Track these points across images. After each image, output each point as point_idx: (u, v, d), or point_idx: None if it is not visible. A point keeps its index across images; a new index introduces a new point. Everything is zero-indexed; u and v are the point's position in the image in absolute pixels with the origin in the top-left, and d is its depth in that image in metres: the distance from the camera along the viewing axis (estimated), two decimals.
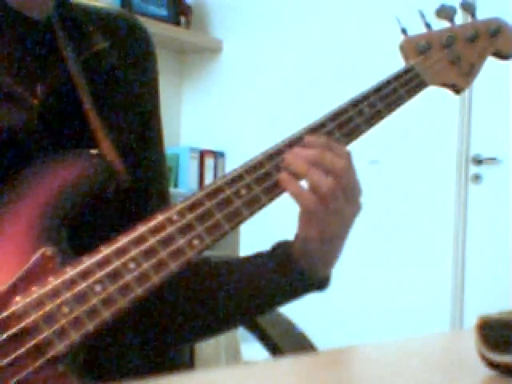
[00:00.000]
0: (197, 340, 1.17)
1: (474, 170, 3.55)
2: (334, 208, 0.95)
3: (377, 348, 0.89)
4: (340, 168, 0.95)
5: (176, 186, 3.75)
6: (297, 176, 0.95)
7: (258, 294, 1.04)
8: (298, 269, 1.00)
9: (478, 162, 3.53)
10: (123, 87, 1.04)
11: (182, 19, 3.92)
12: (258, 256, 1.05)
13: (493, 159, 3.51)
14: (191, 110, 4.06)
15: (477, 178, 3.54)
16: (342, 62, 3.66)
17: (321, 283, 1.03)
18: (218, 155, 3.90)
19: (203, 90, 4.03)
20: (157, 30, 3.49)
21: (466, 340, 0.79)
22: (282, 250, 1.02)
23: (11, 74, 0.95)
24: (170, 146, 3.73)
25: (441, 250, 3.53)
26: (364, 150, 3.34)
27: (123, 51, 1.06)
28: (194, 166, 3.82)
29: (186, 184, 3.76)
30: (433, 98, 3.13)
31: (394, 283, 3.56)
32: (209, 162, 3.87)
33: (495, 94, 3.43)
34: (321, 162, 0.94)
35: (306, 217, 0.97)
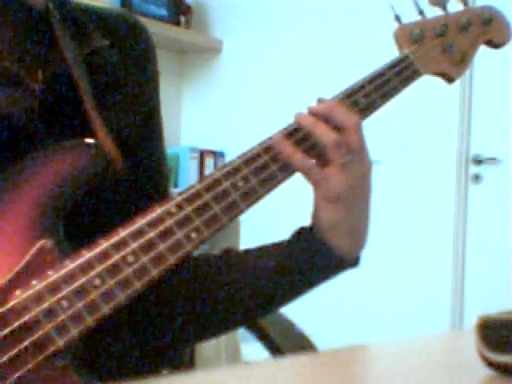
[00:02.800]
0: (200, 339, 1.16)
1: (473, 170, 3.55)
2: (338, 167, 0.95)
3: (377, 348, 0.89)
4: (350, 125, 0.95)
5: (176, 186, 3.75)
6: (303, 129, 0.96)
7: (285, 284, 1.01)
8: (325, 246, 0.98)
9: (478, 161, 3.53)
10: (123, 86, 1.05)
11: (182, 19, 3.92)
12: (278, 245, 1.02)
13: (493, 159, 3.51)
14: (191, 110, 4.06)
15: (477, 178, 3.54)
16: (342, 62, 3.66)
17: (352, 260, 1.01)
18: (217, 155, 3.90)
19: (203, 90, 4.03)
20: (157, 29, 3.49)
21: (466, 340, 0.79)
22: (304, 233, 1.00)
23: (14, 58, 0.96)
24: (170, 145, 3.72)
25: (441, 250, 3.53)
26: None
27: (123, 51, 1.06)
28: (193, 166, 3.82)
29: (185, 184, 3.76)
30: (433, 98, 3.13)
31: (394, 283, 3.56)
32: (209, 161, 3.87)
33: (495, 94, 3.43)
34: (330, 116, 0.96)
35: (310, 181, 0.96)
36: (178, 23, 3.87)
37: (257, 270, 1.03)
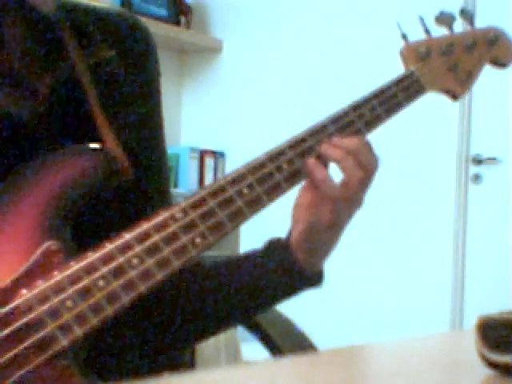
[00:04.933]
0: (196, 340, 1.18)
1: (473, 170, 3.55)
2: (353, 199, 0.98)
3: (377, 348, 0.89)
4: (373, 166, 0.98)
5: (176, 185, 3.75)
6: (330, 160, 0.98)
7: (256, 292, 1.05)
8: (294, 261, 1.01)
9: (478, 161, 3.53)
10: (123, 87, 1.05)
11: (182, 19, 3.92)
12: (254, 253, 1.05)
13: (493, 159, 3.51)
14: (191, 110, 4.06)
15: (477, 178, 3.54)
16: (341, 62, 3.67)
17: (316, 278, 1.04)
18: (217, 155, 3.90)
19: (203, 90, 4.03)
20: (157, 30, 3.49)
21: (466, 340, 0.80)
22: (277, 246, 1.03)
23: (23, 61, 0.97)
24: (170, 145, 3.72)
25: (441, 249, 3.53)
26: None
27: (124, 51, 1.06)
28: (194, 166, 3.82)
29: (185, 184, 3.77)
30: (433, 98, 3.12)
31: (394, 283, 3.56)
32: (209, 161, 3.87)
33: (495, 95, 3.43)
34: (357, 153, 0.98)
35: (319, 204, 0.98)
36: (178, 23, 3.87)
37: (222, 283, 1.06)
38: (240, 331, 1.45)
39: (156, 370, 1.07)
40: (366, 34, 3.62)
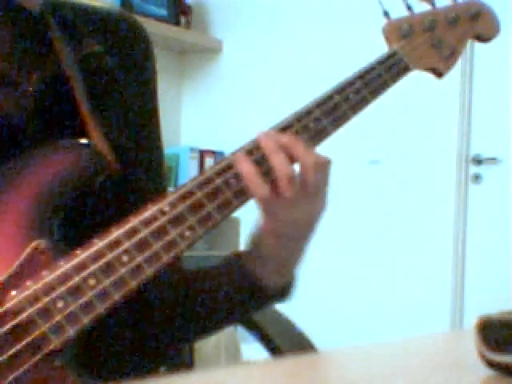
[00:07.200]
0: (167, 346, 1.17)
1: (473, 170, 3.55)
2: (288, 201, 0.92)
3: (377, 348, 0.89)
4: (308, 163, 0.92)
5: (176, 186, 3.75)
6: (260, 151, 0.93)
7: (215, 309, 1.03)
8: (253, 278, 0.99)
9: (478, 161, 3.53)
10: (121, 87, 1.05)
11: (182, 19, 3.92)
12: (214, 269, 1.03)
13: (493, 159, 3.51)
14: (191, 110, 4.06)
15: (477, 178, 3.54)
16: (341, 62, 3.66)
17: (282, 291, 1.01)
18: (217, 155, 3.90)
19: (203, 90, 4.03)
20: (157, 30, 3.49)
21: (466, 340, 0.79)
22: (234, 262, 1.01)
23: (10, 60, 0.97)
24: (170, 146, 3.73)
25: (441, 249, 3.53)
26: (364, 149, 3.32)
27: (122, 51, 1.06)
28: (193, 166, 3.82)
29: None
30: (433, 98, 3.13)
31: (394, 283, 3.56)
32: (209, 162, 3.87)
33: (495, 94, 3.43)
34: (291, 149, 0.92)
35: (260, 208, 0.94)
36: (177, 23, 3.87)
37: (194, 294, 1.04)
38: (240, 331, 1.45)
39: (155, 369, 1.06)
40: (367, 33, 3.61)
